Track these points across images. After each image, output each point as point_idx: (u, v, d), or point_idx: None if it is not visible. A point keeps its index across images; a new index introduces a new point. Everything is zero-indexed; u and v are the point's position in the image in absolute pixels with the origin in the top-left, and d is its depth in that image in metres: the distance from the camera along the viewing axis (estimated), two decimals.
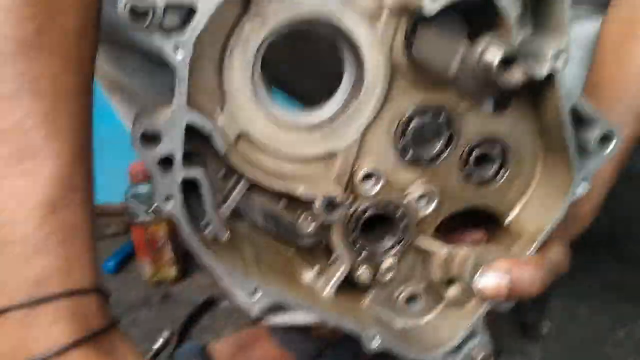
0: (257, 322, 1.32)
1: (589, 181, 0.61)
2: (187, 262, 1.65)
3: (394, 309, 0.67)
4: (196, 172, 0.54)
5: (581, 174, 0.60)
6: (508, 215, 0.67)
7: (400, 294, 0.67)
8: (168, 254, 1.58)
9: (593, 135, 0.59)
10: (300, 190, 0.57)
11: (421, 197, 0.63)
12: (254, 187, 0.59)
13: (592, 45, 0.84)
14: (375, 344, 0.62)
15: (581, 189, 0.61)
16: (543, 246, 0.65)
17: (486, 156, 0.63)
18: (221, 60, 0.53)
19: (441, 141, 0.61)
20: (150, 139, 0.51)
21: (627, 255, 1.66)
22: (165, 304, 1.56)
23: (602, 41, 0.82)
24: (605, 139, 0.59)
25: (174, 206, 0.52)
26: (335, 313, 0.62)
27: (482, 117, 0.61)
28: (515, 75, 0.45)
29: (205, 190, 0.54)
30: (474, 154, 0.62)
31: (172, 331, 1.41)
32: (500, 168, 0.64)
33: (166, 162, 0.52)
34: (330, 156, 0.59)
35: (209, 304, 1.54)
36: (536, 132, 0.63)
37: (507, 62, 0.45)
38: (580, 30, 0.94)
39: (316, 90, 0.61)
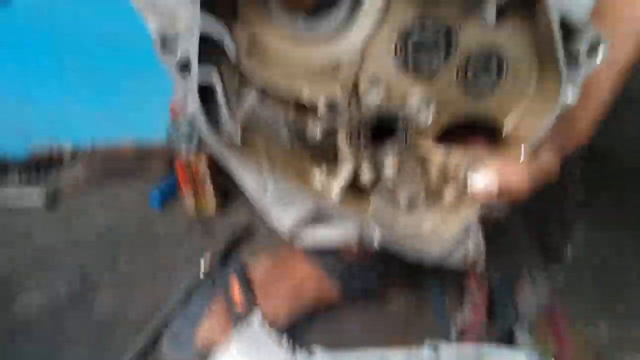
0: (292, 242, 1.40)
1: (577, 90, 0.64)
2: (227, 195, 1.75)
3: (397, 212, 0.74)
4: (211, 77, 0.60)
5: (570, 82, 0.64)
6: (506, 125, 0.71)
7: (402, 195, 0.73)
8: (209, 187, 1.67)
9: (582, 46, 0.62)
10: (306, 93, 0.63)
11: (420, 104, 0.68)
12: (265, 94, 0.65)
13: None
14: (376, 238, 0.70)
15: (570, 97, 0.64)
16: (535, 153, 0.70)
17: (484, 66, 0.67)
18: None
19: (440, 52, 0.65)
20: (170, 44, 0.57)
21: None
22: (207, 234, 1.66)
23: None
24: (593, 49, 0.62)
25: (193, 106, 0.59)
26: (340, 207, 0.69)
27: (480, 29, 0.65)
28: None
29: (220, 93, 0.61)
30: (471, 64, 0.66)
31: (214, 255, 1.51)
32: (497, 79, 0.68)
33: (184, 67, 0.58)
34: (334, 67, 0.64)
35: (248, 230, 1.64)
36: (531, 45, 0.66)
37: None
38: None
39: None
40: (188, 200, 1.70)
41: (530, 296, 1.34)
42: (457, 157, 0.70)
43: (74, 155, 1.98)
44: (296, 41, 0.63)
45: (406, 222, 0.74)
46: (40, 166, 1.94)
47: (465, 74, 0.67)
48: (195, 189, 1.67)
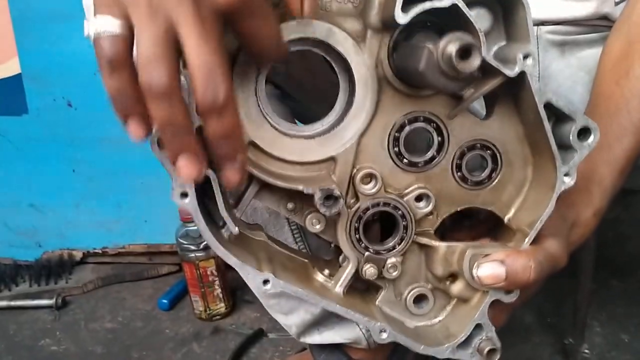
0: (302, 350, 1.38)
1: (572, 174, 0.64)
2: (235, 297, 1.74)
3: (405, 311, 0.72)
4: (209, 172, 0.59)
5: (564, 167, 0.64)
6: (507, 214, 0.70)
7: (408, 294, 0.72)
8: (218, 289, 1.67)
9: (571, 129, 0.63)
10: (302, 187, 0.63)
11: (418, 198, 0.68)
12: (262, 190, 0.66)
13: None
14: (384, 335, 0.67)
15: (567, 181, 0.64)
16: (539, 241, 0.68)
17: (478, 159, 0.68)
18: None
19: (433, 147, 0.66)
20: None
21: None
22: (215, 337, 1.63)
23: (602, 60, 0.87)
24: (584, 132, 0.63)
25: (189, 202, 0.58)
26: (344, 306, 0.67)
27: (470, 123, 0.66)
28: (473, 62, 0.51)
29: (216, 187, 0.60)
30: (465, 158, 0.67)
31: None
32: (492, 171, 0.68)
33: None
34: (330, 161, 0.65)
35: (256, 336, 1.60)
36: (522, 136, 0.67)
37: (466, 51, 0.51)
38: (589, 54, 1.00)
39: (316, 111, 0.69)
40: (196, 303, 1.69)
41: None
42: (459, 249, 0.68)
43: (84, 259, 1.99)
44: (291, 138, 0.64)
45: (415, 320, 0.72)
46: (51, 270, 1.95)
47: (460, 167, 0.67)
48: (204, 292, 1.66)
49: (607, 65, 0.85)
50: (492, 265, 0.66)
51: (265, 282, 0.64)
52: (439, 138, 0.66)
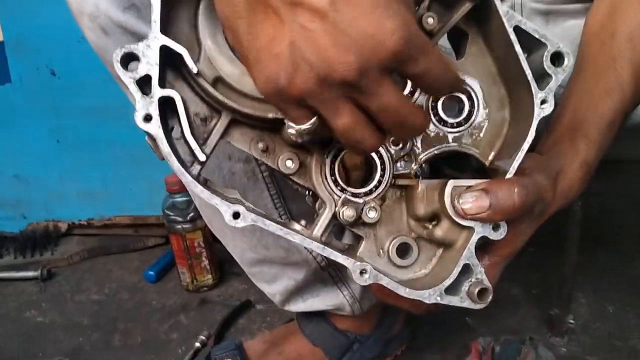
0: (289, 321, 1.38)
1: (549, 100, 0.62)
2: (222, 269, 1.73)
3: (389, 264, 0.68)
4: (172, 92, 0.57)
5: (541, 94, 0.62)
6: (488, 156, 0.69)
7: (390, 244, 0.68)
8: (205, 261, 1.66)
9: (544, 55, 0.62)
10: (271, 115, 0.61)
11: (394, 139, 0.66)
12: (232, 127, 0.63)
13: None
14: (365, 276, 0.62)
15: (545, 108, 0.63)
16: (523, 174, 0.66)
17: (455, 102, 0.66)
18: (195, 16, 0.60)
19: (406, 87, 0.65)
20: (130, 61, 0.56)
21: None
22: (202, 308, 1.63)
23: (588, 22, 0.86)
24: (557, 57, 0.62)
25: (153, 124, 0.56)
26: (321, 244, 0.62)
27: None
28: None
29: (182, 109, 0.58)
30: (440, 99, 0.66)
31: (209, 333, 1.49)
32: (469, 113, 0.67)
33: (145, 85, 0.56)
34: None
35: (244, 307, 1.61)
36: (497, 76, 0.66)
37: None
38: (573, 25, 0.99)
39: None
40: (183, 275, 1.68)
41: None
42: (440, 185, 0.65)
43: (70, 230, 1.97)
44: None
45: (400, 273, 0.67)
46: (36, 242, 1.93)
47: (436, 109, 0.66)
48: (191, 263, 1.66)
49: (592, 27, 0.85)
50: (474, 194, 0.63)
51: (236, 215, 0.59)
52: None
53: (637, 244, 1.70)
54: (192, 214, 1.59)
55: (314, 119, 0.53)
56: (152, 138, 0.58)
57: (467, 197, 0.63)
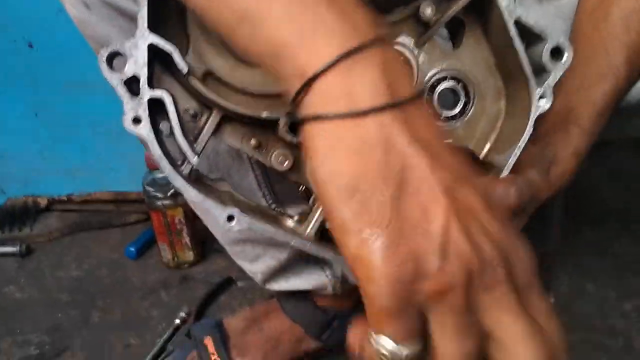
0: (270, 298, 1.37)
1: (548, 96, 0.62)
2: (204, 246, 1.71)
3: None
4: (162, 93, 0.56)
5: (539, 89, 0.61)
6: (482, 150, 0.68)
7: None
8: (186, 238, 1.64)
9: (543, 49, 0.61)
10: (265, 114, 0.59)
11: None
12: (223, 124, 0.62)
13: None
14: None
15: (543, 105, 0.62)
16: (517, 172, 0.65)
17: (450, 94, 0.65)
18: (183, 8, 0.58)
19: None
20: (116, 61, 0.54)
21: (636, 230, 1.67)
22: (183, 285, 1.62)
23: (581, 5, 0.85)
24: (557, 51, 0.61)
25: (142, 127, 0.54)
26: (312, 243, 0.62)
27: (439, 54, 0.63)
28: None
29: (172, 110, 0.56)
30: (436, 91, 0.65)
31: (190, 310, 1.48)
32: (465, 105, 0.66)
33: (133, 84, 0.54)
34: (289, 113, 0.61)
35: (225, 284, 1.60)
36: (494, 67, 0.65)
37: None
38: (567, 2, 0.98)
39: None
40: (164, 252, 1.67)
41: None
42: None
43: (49, 206, 1.95)
44: (252, 67, 0.60)
45: None
46: (15, 217, 1.90)
47: (431, 101, 0.65)
48: (172, 240, 1.64)
49: (585, 9, 0.83)
50: None
51: (230, 218, 0.58)
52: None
53: (621, 223, 1.71)
54: (172, 190, 1.57)
55: (418, 346, 0.43)
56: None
57: None
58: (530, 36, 0.61)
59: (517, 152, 0.63)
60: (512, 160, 0.63)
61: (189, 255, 1.68)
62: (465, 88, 0.65)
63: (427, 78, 0.64)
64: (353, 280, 0.61)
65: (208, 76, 0.60)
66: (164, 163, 0.56)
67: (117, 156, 1.83)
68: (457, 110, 0.66)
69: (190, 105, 0.61)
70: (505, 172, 0.64)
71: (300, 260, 1.19)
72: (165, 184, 1.58)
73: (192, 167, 0.61)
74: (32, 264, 1.73)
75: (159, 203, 1.59)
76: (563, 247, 1.46)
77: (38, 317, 1.51)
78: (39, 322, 1.49)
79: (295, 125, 0.58)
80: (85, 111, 1.78)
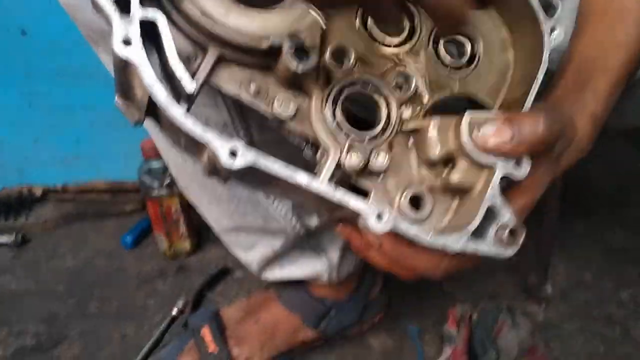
0: (267, 288, 1.37)
1: (559, 27, 0.61)
2: (200, 235, 1.71)
3: (401, 217, 0.60)
4: (155, 12, 0.51)
5: (549, 22, 0.60)
6: (496, 102, 0.66)
7: (402, 196, 0.61)
8: (182, 227, 1.64)
9: None
10: (265, 43, 0.55)
11: (399, 79, 0.62)
12: (219, 66, 0.58)
13: None
14: (384, 219, 0.53)
15: (556, 35, 0.61)
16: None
17: (454, 46, 0.64)
18: None
19: (405, 30, 0.63)
20: None
21: (631, 220, 1.67)
22: (180, 275, 1.62)
23: None
24: None
25: (133, 49, 0.50)
26: (332, 188, 0.54)
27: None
28: None
29: (166, 33, 0.52)
30: (440, 43, 0.64)
31: (187, 300, 1.48)
32: (472, 56, 0.65)
33: (123, 5, 0.50)
34: (294, 33, 0.58)
35: (222, 274, 1.60)
36: (497, 18, 0.65)
37: None
38: None
39: None
40: (161, 241, 1.66)
41: (511, 336, 1.31)
42: (455, 120, 0.58)
43: (45, 195, 1.93)
44: (248, 10, 0.57)
45: (414, 228, 0.57)
46: (10, 207, 1.89)
47: (437, 52, 0.63)
48: (168, 230, 1.63)
49: None
50: (495, 124, 0.57)
51: (233, 153, 0.49)
52: (410, 23, 0.63)
53: (616, 213, 1.71)
54: (168, 180, 1.56)
55: None
56: (123, 97, 0.54)
57: (488, 128, 0.57)
58: None
59: (536, 85, 0.61)
60: (531, 96, 0.61)
61: (186, 245, 1.67)
62: (470, 39, 0.65)
63: (428, 31, 0.64)
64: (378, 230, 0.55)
65: (202, 15, 0.56)
66: (159, 88, 0.50)
67: (113, 145, 1.81)
68: (464, 60, 0.65)
69: (182, 46, 0.56)
70: (528, 103, 0.61)
71: (294, 249, 1.18)
72: (161, 173, 1.57)
73: (189, 105, 0.55)
74: (27, 254, 1.72)
75: (155, 193, 1.58)
76: (559, 236, 1.46)
77: (34, 307, 1.50)
78: (35, 313, 1.48)
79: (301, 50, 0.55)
80: (79, 100, 1.76)
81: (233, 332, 1.26)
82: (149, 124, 0.82)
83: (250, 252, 1.19)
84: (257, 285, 1.52)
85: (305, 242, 1.18)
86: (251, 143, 0.97)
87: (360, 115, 0.63)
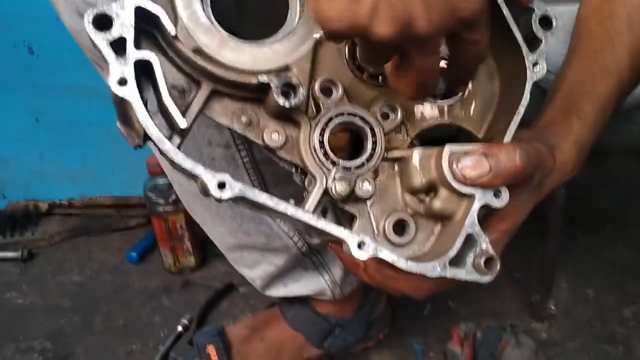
0: (271, 306, 1.38)
1: (541, 62, 0.64)
2: (205, 251, 1.72)
3: (385, 243, 0.64)
4: (150, 54, 0.53)
5: (532, 56, 0.63)
6: (480, 130, 0.69)
7: (386, 221, 0.64)
8: (187, 243, 1.65)
9: (533, 17, 0.63)
10: (255, 79, 0.58)
11: (384, 111, 0.65)
12: (212, 99, 0.60)
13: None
14: (364, 249, 0.57)
15: (538, 70, 0.63)
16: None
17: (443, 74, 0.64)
18: None
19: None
20: (103, 23, 0.52)
21: (634, 237, 1.68)
22: (185, 291, 1.63)
23: (584, 3, 0.85)
24: (544, 21, 0.63)
25: (128, 89, 0.52)
26: (315, 217, 0.58)
27: None
28: None
29: (159, 73, 0.54)
30: None
31: (192, 316, 1.48)
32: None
33: (119, 46, 0.52)
34: (285, 71, 0.61)
35: (227, 290, 1.61)
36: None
37: None
38: (564, 11, 0.98)
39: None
40: (166, 257, 1.67)
41: (515, 355, 1.32)
42: (436, 151, 0.61)
43: (51, 210, 1.95)
44: (241, 44, 0.60)
45: (398, 252, 0.61)
46: (16, 222, 1.90)
47: None
48: (173, 246, 1.64)
49: (590, 5, 0.84)
50: (474, 157, 0.61)
51: (221, 185, 0.53)
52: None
53: (619, 229, 1.71)
54: (173, 196, 1.57)
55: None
56: (124, 124, 0.56)
57: (467, 161, 0.61)
58: (518, 12, 0.63)
59: (517, 118, 0.63)
60: (513, 127, 0.64)
61: (190, 261, 1.68)
62: None
63: None
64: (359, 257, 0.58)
65: (196, 53, 0.58)
66: (151, 126, 0.52)
67: (118, 161, 1.82)
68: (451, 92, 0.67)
69: (177, 80, 0.59)
70: (507, 139, 0.63)
71: (298, 266, 1.19)
72: (166, 190, 1.58)
73: (181, 140, 0.58)
74: (33, 269, 1.73)
75: (161, 209, 1.59)
76: (562, 253, 1.46)
77: (40, 323, 1.51)
78: (42, 328, 1.49)
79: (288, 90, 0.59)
80: (85, 116, 1.77)
81: (238, 350, 1.27)
82: (152, 144, 0.85)
83: (254, 270, 1.19)
84: (262, 301, 1.53)
85: (308, 258, 1.19)
86: (253, 161, 1.00)
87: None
